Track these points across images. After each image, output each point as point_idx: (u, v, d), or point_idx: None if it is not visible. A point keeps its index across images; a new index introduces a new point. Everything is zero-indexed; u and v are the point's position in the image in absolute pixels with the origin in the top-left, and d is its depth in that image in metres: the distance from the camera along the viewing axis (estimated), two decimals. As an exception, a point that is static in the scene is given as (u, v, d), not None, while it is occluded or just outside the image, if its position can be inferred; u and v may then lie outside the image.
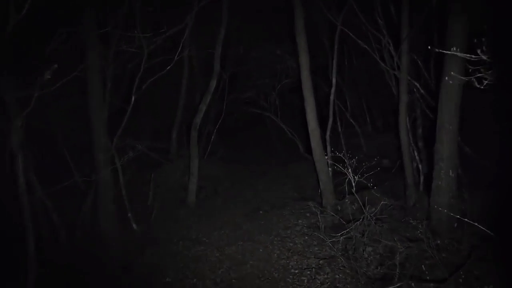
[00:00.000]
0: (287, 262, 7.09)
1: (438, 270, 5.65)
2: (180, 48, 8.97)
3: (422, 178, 8.68)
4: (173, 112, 12.80)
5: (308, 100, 9.26)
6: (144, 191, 10.83)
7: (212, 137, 13.39)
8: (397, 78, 8.83)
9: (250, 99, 14.31)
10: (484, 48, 3.57)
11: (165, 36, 9.02)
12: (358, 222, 6.52)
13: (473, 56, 3.67)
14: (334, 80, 10.09)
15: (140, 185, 11.15)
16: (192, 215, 9.97)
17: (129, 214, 9.18)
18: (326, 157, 9.38)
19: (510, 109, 8.28)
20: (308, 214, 9.05)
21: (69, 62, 7.55)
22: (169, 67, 9.08)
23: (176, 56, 9.00)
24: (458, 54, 5.32)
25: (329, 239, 6.83)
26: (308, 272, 6.65)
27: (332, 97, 10.16)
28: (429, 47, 6.63)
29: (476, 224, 5.33)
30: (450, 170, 6.77)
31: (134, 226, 9.23)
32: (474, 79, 3.88)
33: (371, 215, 6.50)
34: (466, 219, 5.77)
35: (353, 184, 6.36)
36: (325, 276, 6.49)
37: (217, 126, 13.36)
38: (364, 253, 6.64)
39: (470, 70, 3.94)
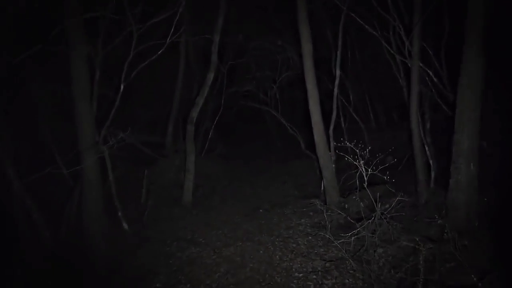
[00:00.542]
0: (290, 265, 6.54)
1: (463, 275, 5.04)
2: (172, 30, 8.42)
3: (433, 174, 8.27)
4: (169, 104, 12.36)
5: (311, 91, 8.84)
6: (137, 188, 10.42)
7: (210, 132, 12.96)
8: (406, 68, 8.37)
9: (249, 93, 13.92)
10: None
11: (157, 20, 8.49)
12: (370, 221, 5.94)
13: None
14: (338, 72, 9.65)
15: (133, 181, 10.75)
16: (188, 214, 9.63)
17: (119, 213, 8.65)
18: (330, 153, 9.00)
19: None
20: (311, 213, 8.76)
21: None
22: (160, 51, 8.58)
23: (168, 39, 8.45)
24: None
25: (337, 240, 6.24)
26: (314, 276, 6.08)
27: (336, 90, 9.72)
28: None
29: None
30: (472, 164, 6.22)
31: (125, 225, 8.70)
32: None
33: (385, 212, 5.91)
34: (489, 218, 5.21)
35: (365, 178, 5.79)
36: (334, 280, 5.91)
37: (215, 121, 12.93)
38: (375, 254, 6.05)
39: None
